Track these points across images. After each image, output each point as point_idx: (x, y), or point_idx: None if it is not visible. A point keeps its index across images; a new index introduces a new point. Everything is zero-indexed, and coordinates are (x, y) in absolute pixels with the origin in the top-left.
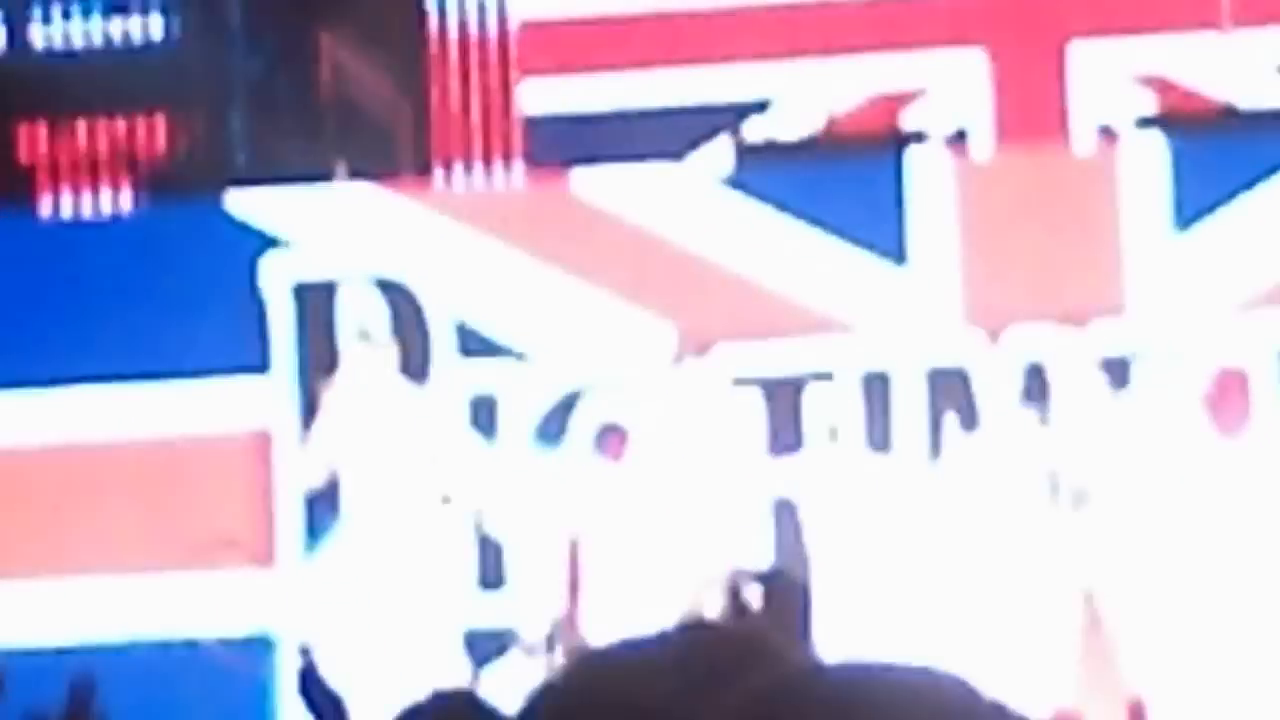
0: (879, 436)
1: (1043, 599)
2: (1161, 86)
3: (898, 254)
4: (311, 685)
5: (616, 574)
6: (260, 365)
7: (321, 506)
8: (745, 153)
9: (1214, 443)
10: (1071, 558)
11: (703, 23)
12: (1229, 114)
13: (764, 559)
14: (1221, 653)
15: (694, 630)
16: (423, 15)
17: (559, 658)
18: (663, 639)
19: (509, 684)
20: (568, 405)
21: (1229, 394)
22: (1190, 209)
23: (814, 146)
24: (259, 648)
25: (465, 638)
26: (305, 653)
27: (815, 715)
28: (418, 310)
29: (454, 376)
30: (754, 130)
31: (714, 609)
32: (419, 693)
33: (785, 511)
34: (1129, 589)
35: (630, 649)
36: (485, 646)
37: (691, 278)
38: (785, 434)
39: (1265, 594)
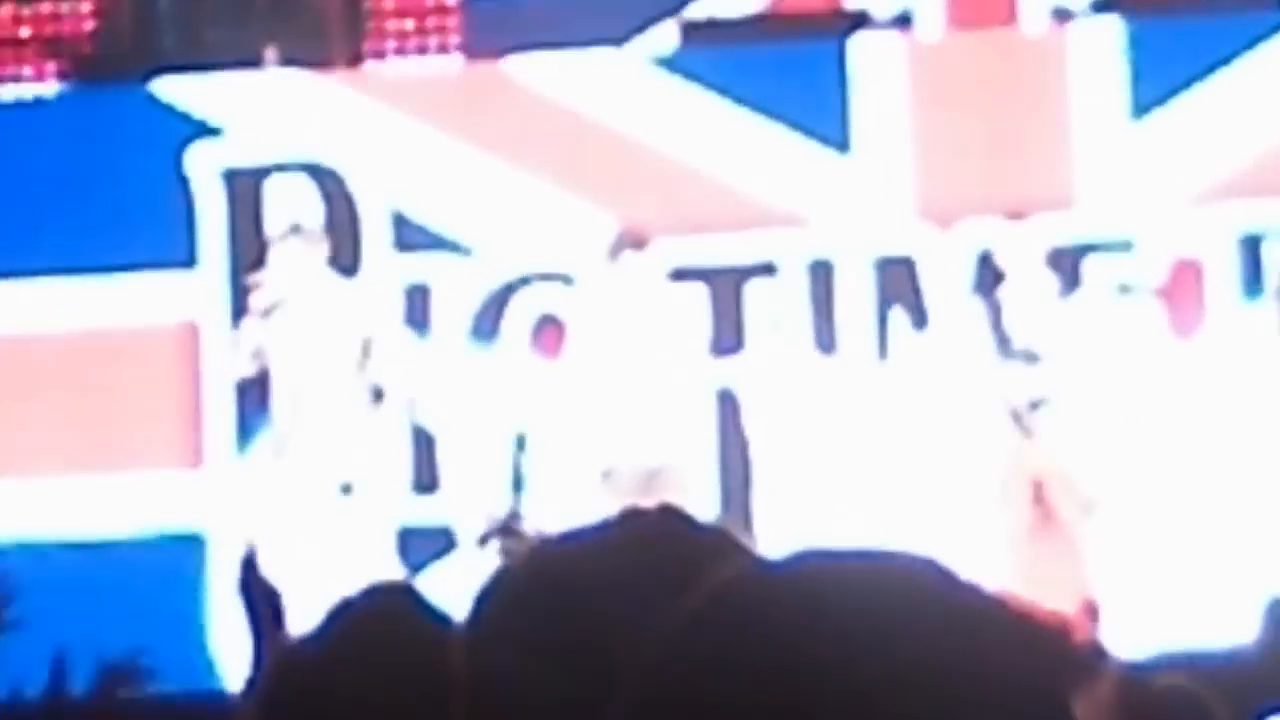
0: (824, 331)
1: (993, 495)
2: None
3: (842, 141)
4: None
5: (558, 468)
6: (187, 257)
7: (252, 402)
8: (686, 36)
9: (1168, 336)
10: (1021, 453)
11: None
12: None
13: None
14: (1174, 547)
15: (646, 517)
16: None
17: (506, 550)
18: (615, 526)
19: (446, 583)
20: (504, 297)
21: (1184, 287)
22: (1147, 95)
23: (756, 29)
24: (188, 546)
25: (400, 536)
26: (244, 549)
27: (785, 605)
28: (350, 200)
29: (388, 268)
30: (695, 12)
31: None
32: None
33: (728, 406)
34: (1081, 484)
35: (583, 536)
36: (421, 544)
37: (631, 166)
38: (728, 328)
39: (1217, 488)
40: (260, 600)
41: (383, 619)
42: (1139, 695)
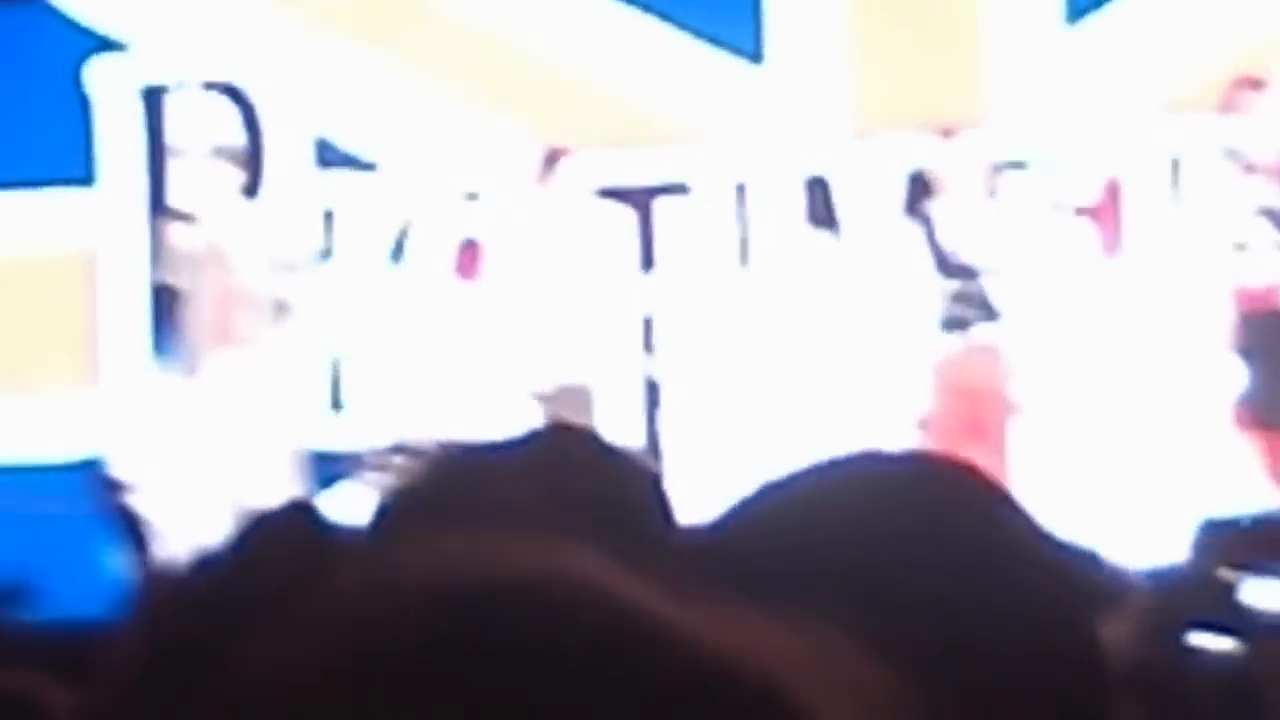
0: (740, 249)
1: (918, 411)
2: None
3: (754, 52)
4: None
5: (475, 388)
6: (86, 177)
7: (157, 324)
8: None
9: (1096, 253)
10: (948, 368)
11: None
12: None
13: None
14: (1102, 464)
15: (553, 437)
16: None
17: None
18: (522, 443)
19: (353, 505)
20: (418, 216)
21: (1112, 203)
22: (1074, 8)
23: None
24: (86, 469)
25: (308, 460)
26: (107, 475)
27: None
28: (259, 118)
29: (299, 186)
30: None
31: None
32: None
33: (645, 326)
34: (1009, 399)
35: (487, 451)
36: (329, 469)
37: (544, 82)
38: (643, 246)
39: (1144, 406)
40: (131, 524)
41: (282, 536)
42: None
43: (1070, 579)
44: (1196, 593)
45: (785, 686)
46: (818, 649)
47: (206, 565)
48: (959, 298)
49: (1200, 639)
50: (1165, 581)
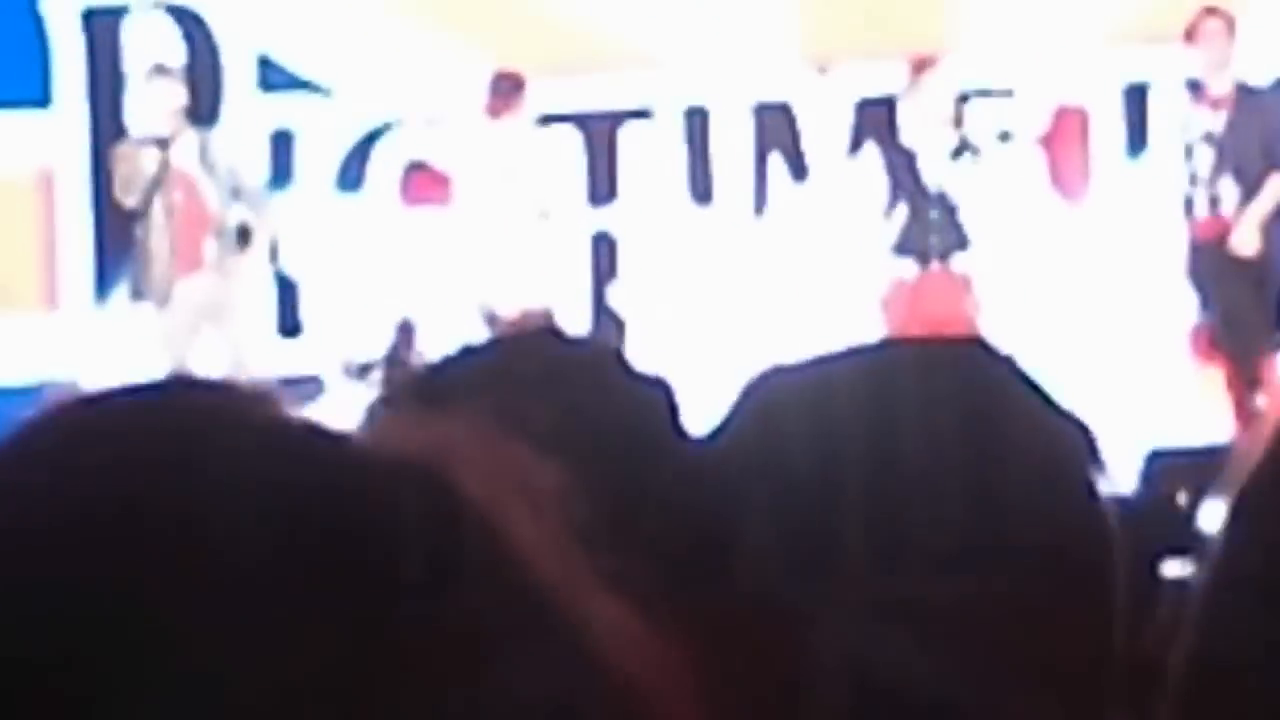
0: (700, 176)
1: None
2: None
3: None
4: None
5: (435, 312)
6: (42, 98)
7: (112, 250)
8: None
9: (1050, 185)
10: (901, 297)
11: None
12: None
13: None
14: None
15: (522, 334)
16: None
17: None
18: (493, 344)
19: None
20: (372, 141)
21: (1067, 135)
22: None
23: None
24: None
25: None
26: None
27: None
28: (212, 41)
29: (252, 110)
30: None
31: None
32: None
33: (603, 251)
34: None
35: (467, 355)
36: (284, 391)
37: (502, 6)
38: (603, 173)
39: (1098, 338)
40: None
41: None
42: None
43: (1068, 435)
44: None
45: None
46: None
47: None
48: (918, 226)
49: (1167, 567)
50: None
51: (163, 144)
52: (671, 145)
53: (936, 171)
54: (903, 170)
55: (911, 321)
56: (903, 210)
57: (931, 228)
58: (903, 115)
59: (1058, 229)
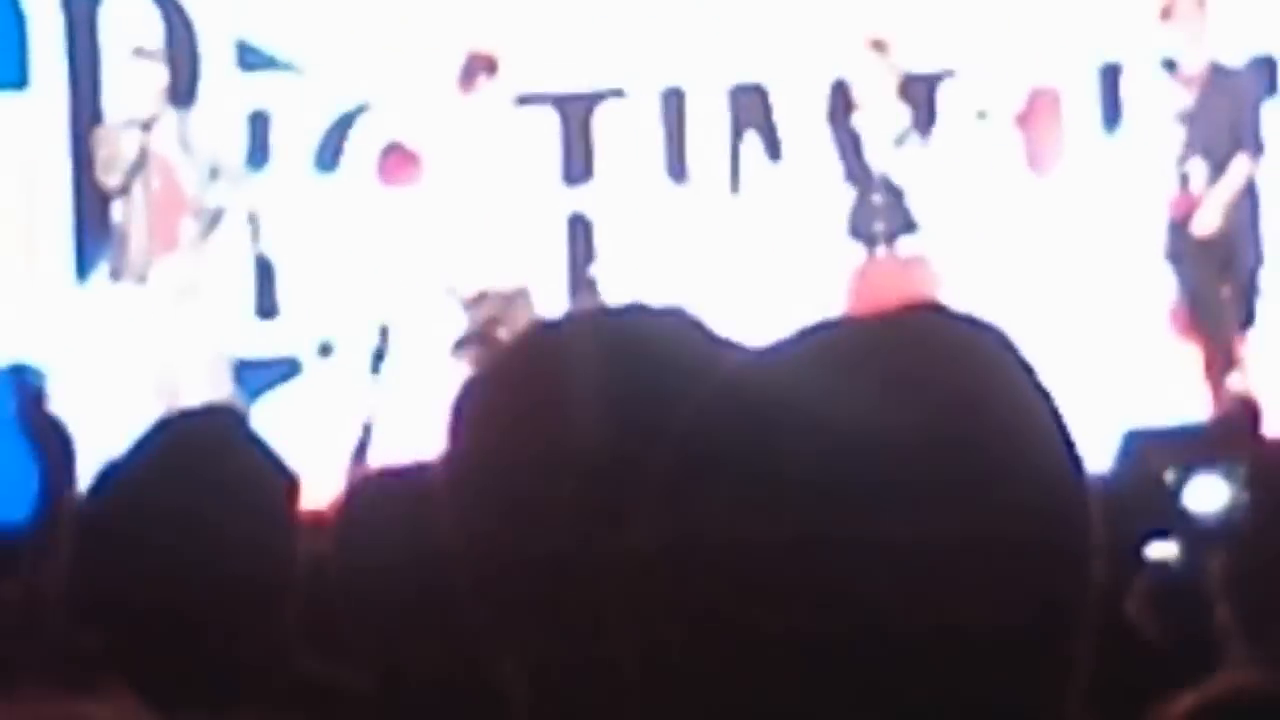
0: (676, 158)
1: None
2: None
3: None
4: (33, 413)
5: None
6: (19, 80)
7: (90, 231)
8: None
9: (1024, 165)
10: (873, 280)
11: None
12: None
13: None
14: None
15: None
16: None
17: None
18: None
19: (283, 411)
20: (349, 122)
21: (1041, 115)
22: None
23: None
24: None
25: (237, 367)
26: (26, 379)
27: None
28: (189, 21)
29: (229, 91)
30: None
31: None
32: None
33: (579, 232)
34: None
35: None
36: (258, 376)
37: None
38: (578, 154)
39: (1074, 319)
40: (49, 434)
41: (208, 439)
42: None
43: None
44: (1141, 498)
45: None
46: None
47: (134, 462)
48: (863, 210)
49: (1154, 549)
50: (1109, 488)
51: (142, 126)
52: (648, 125)
53: (882, 155)
54: (850, 153)
55: (862, 305)
56: (851, 193)
57: (875, 212)
58: (866, 94)
59: (1034, 208)
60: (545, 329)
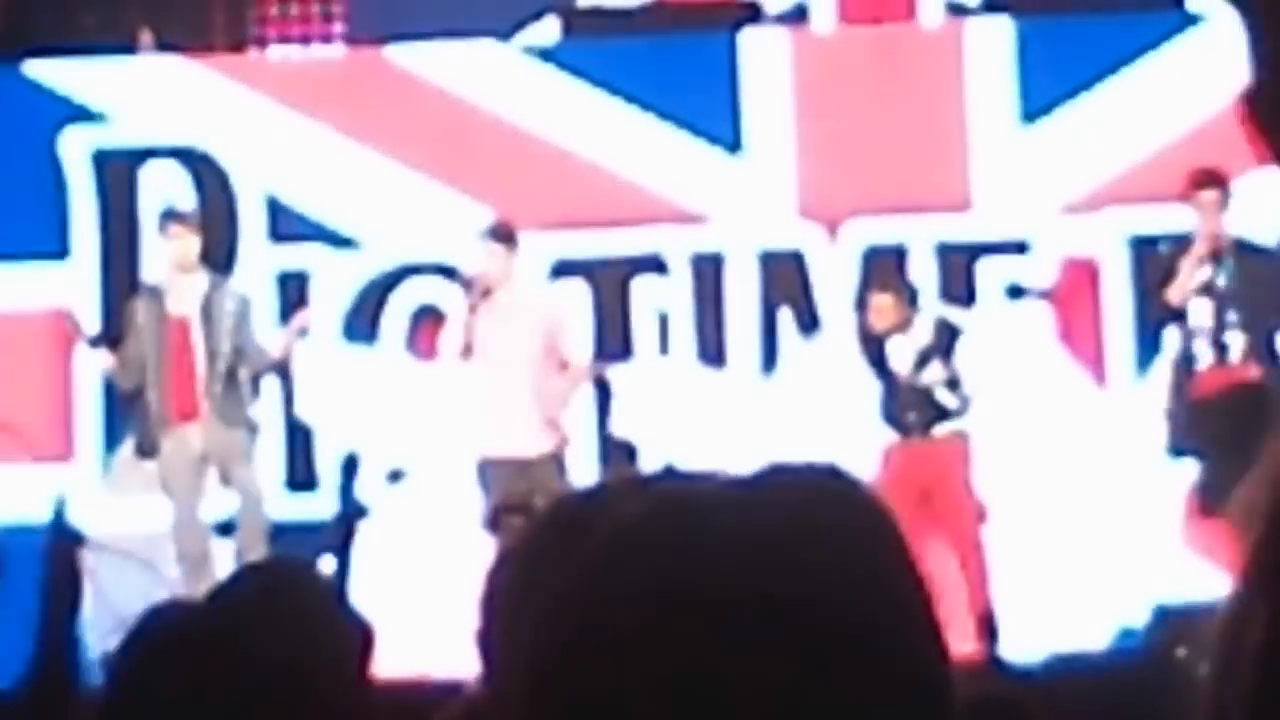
0: (711, 332)
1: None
2: None
3: (732, 139)
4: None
5: (436, 460)
6: (60, 248)
7: (120, 401)
8: (572, 28)
9: (1058, 339)
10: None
11: None
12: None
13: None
14: (1062, 552)
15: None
16: None
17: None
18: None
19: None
20: (384, 289)
21: (1076, 290)
22: (1039, 93)
23: (645, 21)
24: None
25: (274, 531)
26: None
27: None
28: (228, 188)
29: (264, 258)
30: (582, 3)
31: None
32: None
33: (609, 401)
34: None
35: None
36: (296, 540)
37: (514, 159)
38: (612, 326)
39: (1103, 494)
40: (63, 592)
41: (279, 585)
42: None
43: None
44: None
45: None
46: None
47: (201, 608)
48: (909, 401)
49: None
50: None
51: (171, 293)
52: (683, 297)
53: (907, 373)
54: (876, 356)
55: (899, 485)
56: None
57: (908, 406)
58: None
59: (1064, 381)
60: (580, 499)
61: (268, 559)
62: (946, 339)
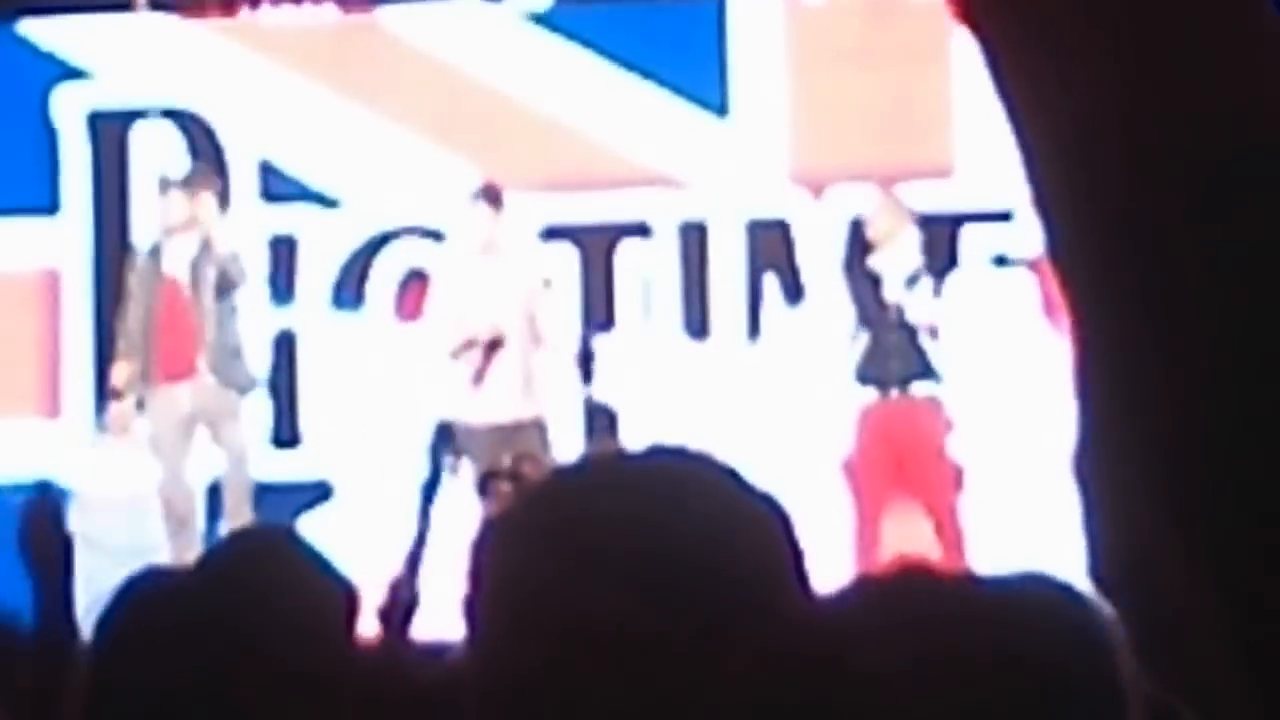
0: (695, 297)
1: (840, 457)
2: None
3: (719, 104)
4: (45, 531)
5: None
6: (50, 204)
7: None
8: None
9: (1043, 308)
10: (884, 424)
11: None
12: None
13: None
14: (1041, 522)
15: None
16: None
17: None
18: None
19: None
20: (372, 251)
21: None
22: None
23: None
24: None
25: (256, 492)
26: (46, 491)
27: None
28: (218, 148)
29: (254, 218)
30: None
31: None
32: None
33: (593, 365)
34: (946, 457)
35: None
36: (279, 501)
37: (503, 121)
38: (597, 290)
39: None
40: (52, 550)
41: (264, 552)
42: None
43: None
44: None
45: None
46: None
47: (182, 576)
48: (879, 352)
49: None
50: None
51: (163, 251)
52: (668, 261)
53: (897, 296)
54: (867, 295)
55: (876, 448)
56: (864, 337)
57: (889, 354)
58: (877, 239)
59: (1048, 351)
60: (568, 475)
61: (250, 526)
62: (939, 264)
